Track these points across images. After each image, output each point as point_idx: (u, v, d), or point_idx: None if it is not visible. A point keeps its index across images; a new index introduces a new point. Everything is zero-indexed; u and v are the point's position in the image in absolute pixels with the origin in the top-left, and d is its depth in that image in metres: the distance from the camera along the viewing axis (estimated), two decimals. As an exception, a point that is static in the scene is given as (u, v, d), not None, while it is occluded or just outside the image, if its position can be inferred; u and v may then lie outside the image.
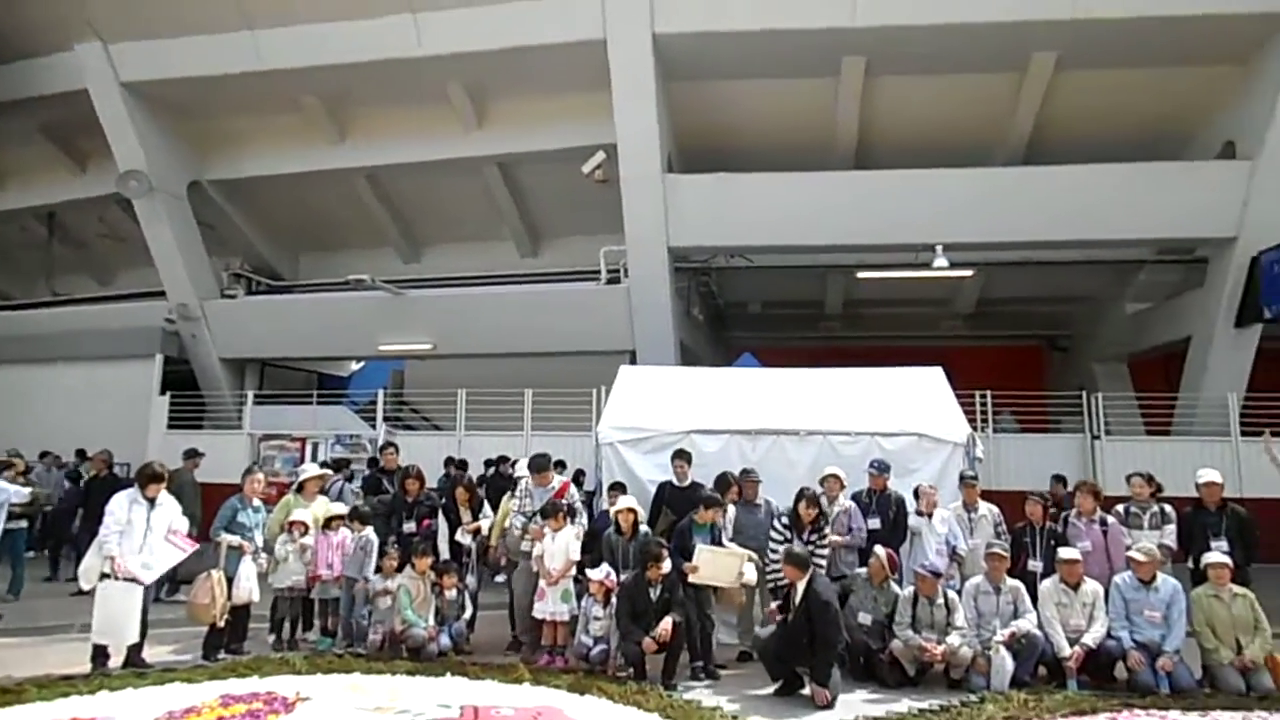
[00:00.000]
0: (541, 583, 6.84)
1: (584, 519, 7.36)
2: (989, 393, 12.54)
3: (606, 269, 14.39)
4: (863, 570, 6.69)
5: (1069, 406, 13.23)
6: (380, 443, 11.50)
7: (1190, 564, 6.95)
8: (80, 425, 14.94)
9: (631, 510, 6.93)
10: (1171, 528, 7.04)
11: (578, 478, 10.38)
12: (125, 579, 6.13)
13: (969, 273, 15.55)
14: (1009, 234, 13.02)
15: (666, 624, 6.07)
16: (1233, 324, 12.53)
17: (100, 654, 6.18)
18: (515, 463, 9.40)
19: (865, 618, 6.41)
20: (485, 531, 7.71)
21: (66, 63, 14.23)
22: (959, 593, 6.48)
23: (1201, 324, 13.10)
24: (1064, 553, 6.39)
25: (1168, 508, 7.16)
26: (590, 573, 6.69)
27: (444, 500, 7.93)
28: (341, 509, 7.69)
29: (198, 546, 6.77)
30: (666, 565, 6.28)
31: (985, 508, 7.40)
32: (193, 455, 10.00)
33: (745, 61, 12.67)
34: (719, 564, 6.54)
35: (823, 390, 8.69)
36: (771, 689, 6.02)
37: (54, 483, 12.00)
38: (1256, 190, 12.02)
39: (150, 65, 13.94)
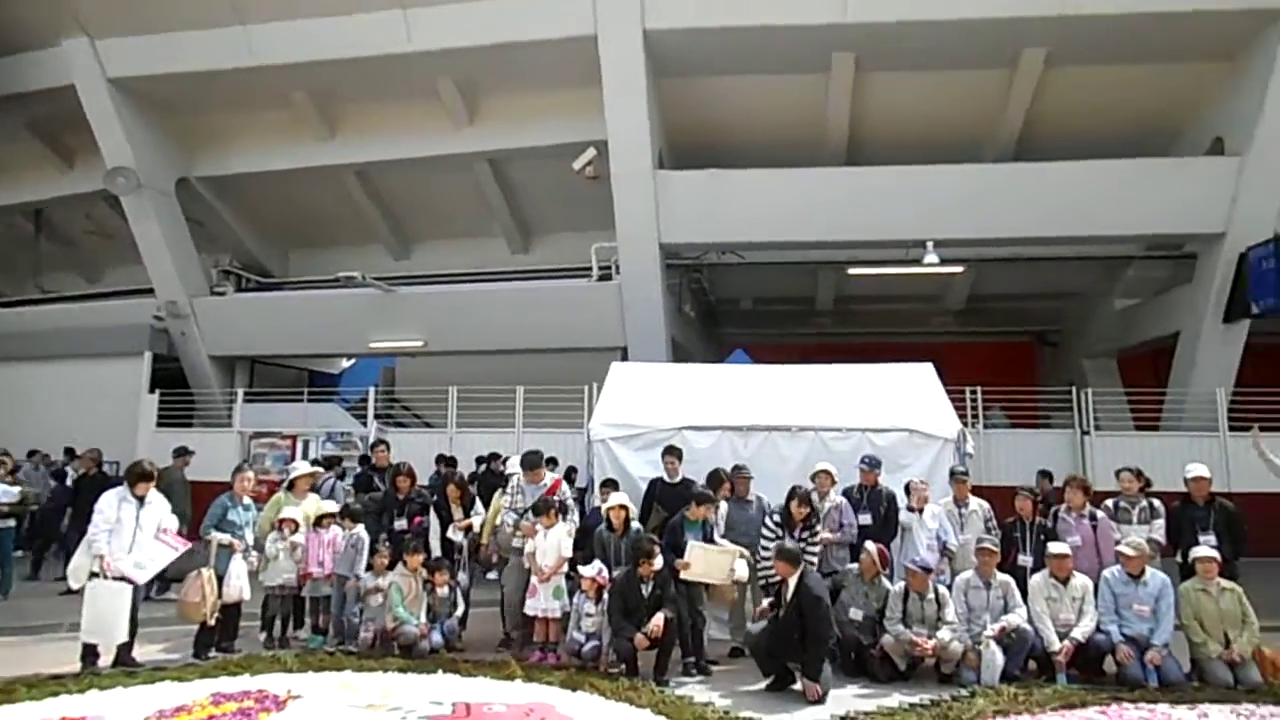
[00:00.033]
0: (534, 579, 6.84)
1: (575, 516, 7.37)
2: (979, 388, 12.57)
3: (598, 266, 14.37)
4: (854, 566, 6.71)
5: (1059, 402, 13.28)
6: (371, 440, 11.50)
7: (1179, 558, 7.02)
8: (69, 424, 14.88)
9: (623, 507, 6.93)
10: (1160, 522, 7.10)
11: (569, 475, 10.36)
12: (115, 578, 6.11)
13: (959, 269, 15.60)
14: (999, 230, 13.07)
15: (658, 620, 6.08)
16: (1221, 319, 12.60)
17: (90, 653, 6.16)
18: (507, 460, 9.38)
19: (856, 613, 6.43)
20: (477, 529, 7.71)
21: (53, 58, 14.13)
22: (949, 588, 6.51)
23: (1190, 319, 13.17)
24: (1053, 547, 6.43)
25: (1156, 502, 7.21)
26: (582, 569, 6.69)
27: (435, 497, 7.93)
28: (333, 507, 7.68)
29: (190, 545, 6.74)
30: (658, 562, 6.29)
31: (975, 503, 7.43)
32: (182, 453, 9.98)
33: (736, 57, 12.66)
34: (710, 561, 6.55)
35: (814, 386, 8.70)
36: (763, 684, 6.03)
37: (42, 481, 11.92)
38: (1245, 186, 12.09)
39: (138, 61, 13.85)
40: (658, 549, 6.35)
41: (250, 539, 7.05)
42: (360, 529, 7.38)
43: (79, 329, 16.27)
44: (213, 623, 6.63)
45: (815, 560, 6.69)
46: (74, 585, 6.33)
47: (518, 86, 13.68)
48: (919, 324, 18.32)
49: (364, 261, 16.03)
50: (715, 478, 7.19)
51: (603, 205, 13.37)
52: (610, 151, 12.98)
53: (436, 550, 7.46)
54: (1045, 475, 10.25)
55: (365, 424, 14.02)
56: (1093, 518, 6.91)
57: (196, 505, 8.66)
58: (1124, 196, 12.49)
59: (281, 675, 6.07)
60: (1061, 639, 6.09)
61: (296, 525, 7.30)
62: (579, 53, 12.35)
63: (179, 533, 6.79)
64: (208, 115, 15.03)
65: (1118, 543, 6.51)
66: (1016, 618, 6.17)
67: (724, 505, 7.13)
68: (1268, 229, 11.95)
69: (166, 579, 8.40)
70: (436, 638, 6.74)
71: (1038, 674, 6.16)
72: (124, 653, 6.26)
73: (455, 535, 7.61)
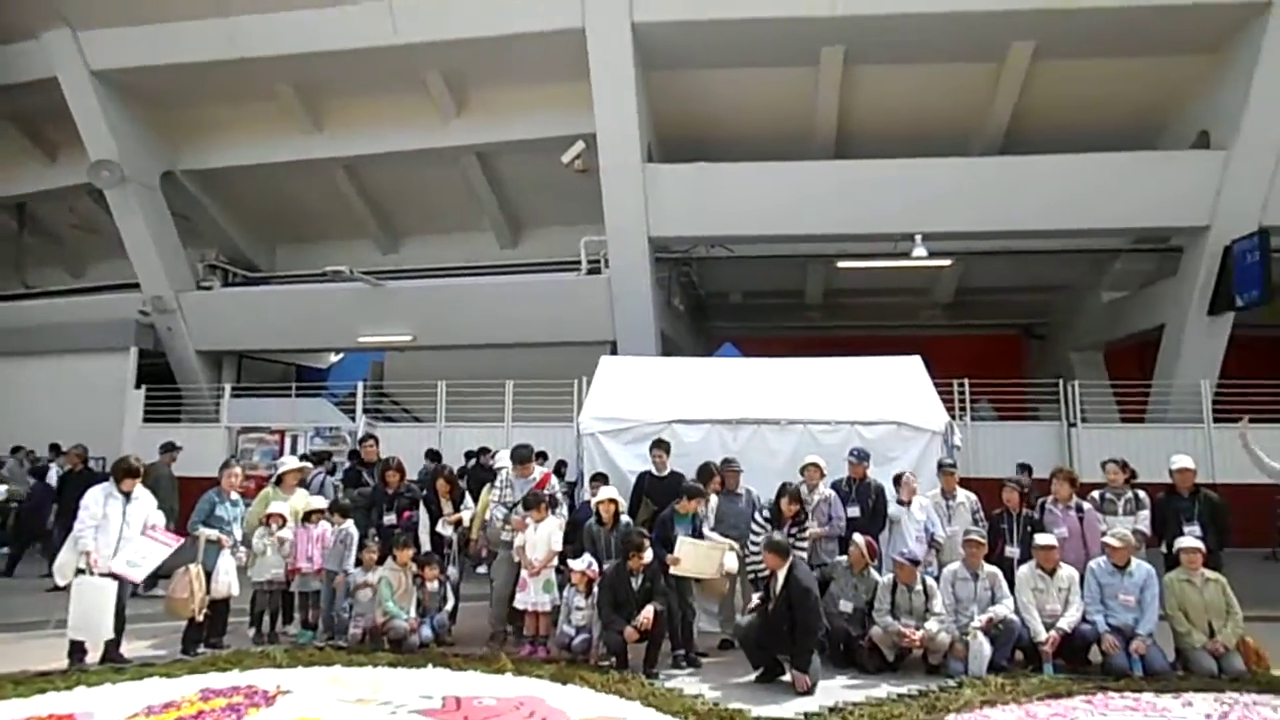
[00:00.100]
0: (524, 573, 6.84)
1: (565, 510, 7.38)
2: (967, 381, 12.63)
3: (587, 259, 14.36)
4: (843, 558, 6.74)
5: (1046, 395, 13.36)
6: (360, 435, 11.45)
7: (1164, 549, 7.08)
8: (54, 420, 14.71)
9: (613, 501, 6.94)
10: (1145, 513, 7.14)
11: (559, 469, 10.37)
12: (102, 574, 6.07)
13: (947, 262, 15.65)
14: (987, 223, 13.10)
15: (648, 613, 6.10)
16: (1206, 312, 12.70)
17: (77, 649, 6.13)
18: (496, 454, 9.38)
19: (845, 605, 6.46)
20: (466, 523, 7.69)
21: (36, 50, 13.98)
22: (937, 579, 6.55)
23: (1175, 312, 13.27)
24: (1040, 539, 6.47)
25: (1142, 494, 7.25)
26: (572, 563, 6.70)
27: (425, 492, 7.91)
28: (321, 502, 7.64)
29: (181, 541, 6.70)
30: (648, 555, 6.31)
31: (963, 495, 7.46)
32: (170, 449, 9.91)
33: (724, 51, 12.66)
34: (700, 556, 6.56)
35: (803, 380, 8.74)
36: (752, 676, 6.06)
37: (25, 478, 11.83)
38: (1230, 179, 12.17)
39: (121, 53, 13.71)
40: (647, 542, 6.36)
41: (238, 534, 7.03)
42: (349, 524, 7.36)
43: (64, 324, 16.14)
44: (201, 618, 6.60)
45: (805, 553, 6.72)
46: (60, 582, 6.30)
47: (506, 80, 13.61)
48: (907, 317, 18.38)
49: (352, 256, 15.98)
50: (705, 471, 7.19)
51: (591, 199, 13.35)
52: (599, 145, 12.95)
53: (426, 545, 7.45)
54: (1024, 468, 10.31)
55: (354, 419, 13.99)
56: (1079, 509, 6.95)
57: (184, 501, 8.60)
58: (1110, 190, 12.56)
59: (271, 670, 6.05)
60: (1048, 629, 6.13)
61: (284, 520, 7.27)
62: (567, 45, 12.31)
63: (167, 528, 6.77)
64: (193, 108, 14.90)
65: (1104, 534, 6.55)
66: (1004, 609, 6.21)
67: (714, 498, 7.14)
68: (1252, 222, 12.06)
69: (154, 574, 8.40)
70: (426, 632, 6.74)
71: (1024, 664, 6.21)
72: (112, 649, 6.22)
73: (445, 530, 7.60)
